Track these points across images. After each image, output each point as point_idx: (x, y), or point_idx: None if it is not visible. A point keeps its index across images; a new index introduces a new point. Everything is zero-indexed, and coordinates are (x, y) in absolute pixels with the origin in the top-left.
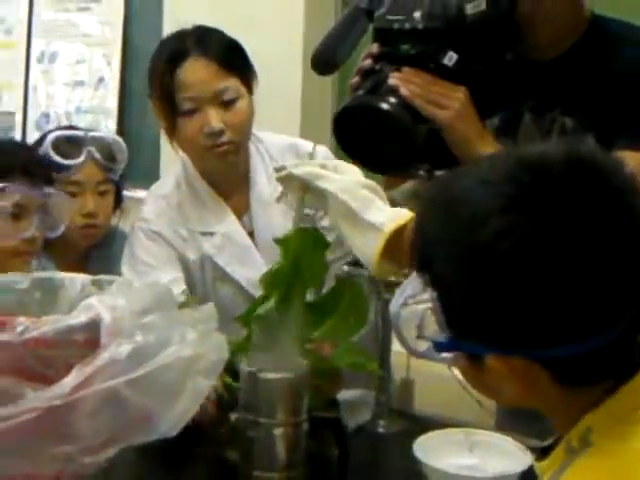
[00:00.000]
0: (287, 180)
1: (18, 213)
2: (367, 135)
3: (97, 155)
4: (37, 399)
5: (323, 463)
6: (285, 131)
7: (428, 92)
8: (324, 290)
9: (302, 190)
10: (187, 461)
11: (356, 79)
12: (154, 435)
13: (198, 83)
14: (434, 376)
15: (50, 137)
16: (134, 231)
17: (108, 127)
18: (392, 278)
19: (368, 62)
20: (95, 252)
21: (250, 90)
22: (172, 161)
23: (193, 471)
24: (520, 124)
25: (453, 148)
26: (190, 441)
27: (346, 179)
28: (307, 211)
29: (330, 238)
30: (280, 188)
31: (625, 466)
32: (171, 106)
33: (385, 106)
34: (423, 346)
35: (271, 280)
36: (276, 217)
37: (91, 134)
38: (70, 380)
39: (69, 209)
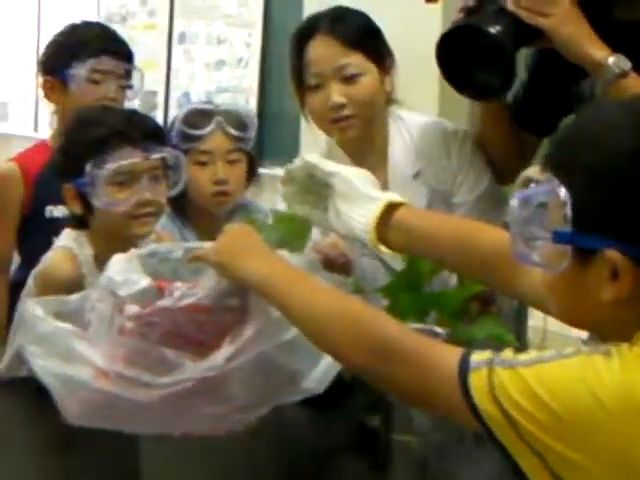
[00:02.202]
0: (293, 172)
1: (124, 180)
2: (466, 59)
3: (226, 125)
4: (193, 370)
5: (460, 428)
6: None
7: (533, 4)
8: None
9: (305, 178)
10: (328, 426)
11: (461, 16)
12: (301, 394)
13: (321, 60)
14: None
15: (181, 112)
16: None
17: (248, 106)
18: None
19: (472, 0)
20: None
21: (381, 67)
22: (312, 140)
23: (334, 436)
24: None
25: (563, 52)
26: (331, 407)
27: (350, 167)
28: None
29: None
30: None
31: None
32: (300, 82)
33: (491, 30)
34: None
35: None
36: (412, 194)
37: (222, 106)
38: (223, 352)
39: (187, 168)
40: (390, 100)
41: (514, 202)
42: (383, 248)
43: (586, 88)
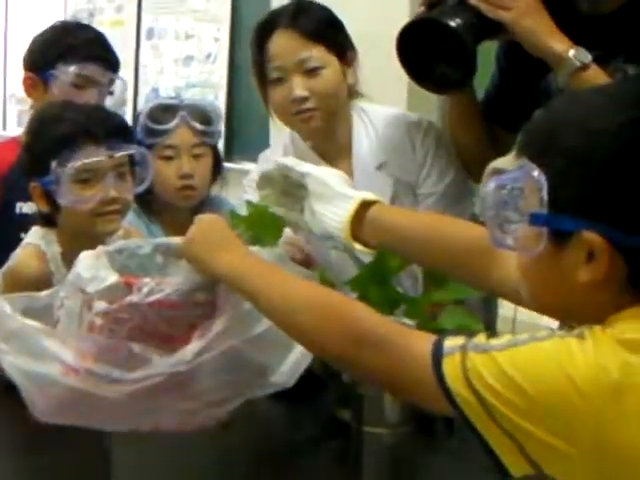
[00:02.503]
0: (268, 175)
1: (89, 178)
2: (428, 53)
3: (190, 119)
4: (162, 365)
5: (430, 420)
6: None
7: None
8: None
9: (281, 180)
10: (301, 420)
11: (422, 9)
12: (271, 388)
13: (283, 53)
14: None
15: (146, 108)
16: (243, 189)
17: (217, 102)
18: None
19: None
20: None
21: (343, 60)
22: (281, 135)
23: (306, 429)
24: None
25: (524, 45)
26: (303, 400)
27: (323, 168)
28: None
29: None
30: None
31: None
32: (262, 76)
33: (452, 23)
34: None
35: None
36: (377, 185)
37: (186, 101)
38: (192, 347)
39: (152, 164)
40: (354, 93)
41: (490, 187)
42: (357, 245)
43: (553, 81)
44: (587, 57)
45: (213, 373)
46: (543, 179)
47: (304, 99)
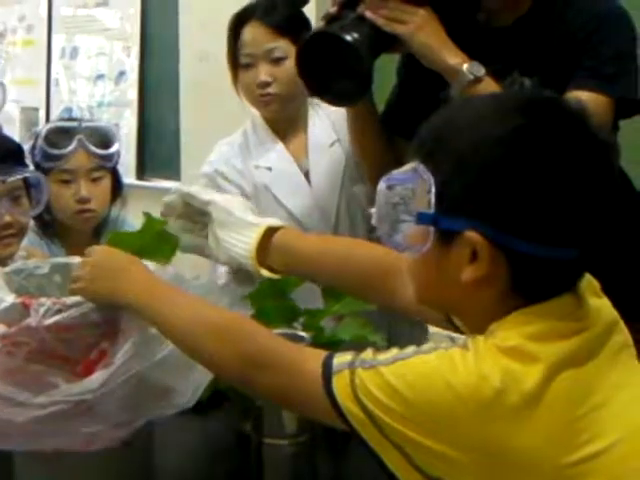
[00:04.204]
0: (172, 203)
1: None
2: (325, 66)
3: (87, 143)
4: (69, 392)
5: (330, 428)
6: None
7: (391, 11)
8: None
9: (184, 207)
10: (203, 433)
11: (321, 24)
12: (173, 409)
13: (253, 42)
14: None
15: (43, 130)
16: (198, 181)
17: (129, 119)
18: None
19: (334, 9)
20: (102, 238)
21: None
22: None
23: (209, 443)
24: None
25: (420, 58)
26: (206, 414)
27: (227, 195)
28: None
29: None
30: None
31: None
32: (234, 60)
33: (348, 37)
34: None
35: None
36: (330, 158)
37: (84, 124)
38: (99, 376)
39: (49, 187)
40: None
41: (381, 186)
42: (265, 272)
43: (453, 92)
44: (480, 71)
45: (118, 398)
46: (432, 180)
47: (267, 84)
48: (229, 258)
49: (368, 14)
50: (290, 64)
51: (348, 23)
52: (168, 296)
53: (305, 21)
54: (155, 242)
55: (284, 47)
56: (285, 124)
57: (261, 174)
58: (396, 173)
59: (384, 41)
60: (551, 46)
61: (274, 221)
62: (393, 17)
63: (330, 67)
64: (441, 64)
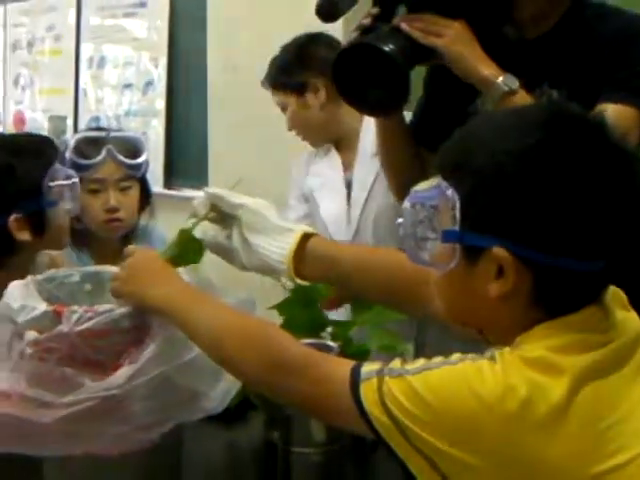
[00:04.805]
0: (200, 205)
1: None
2: (362, 76)
3: (116, 153)
4: (95, 389)
5: (359, 438)
6: None
7: (427, 24)
8: None
9: (212, 209)
10: (230, 442)
11: (355, 34)
12: (200, 413)
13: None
14: None
15: (72, 140)
16: None
17: (156, 129)
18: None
19: (368, 20)
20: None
21: (300, 96)
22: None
23: (236, 451)
24: None
25: (455, 70)
26: (232, 423)
27: (258, 199)
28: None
29: None
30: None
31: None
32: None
33: (386, 48)
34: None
35: None
36: (369, 168)
37: (112, 134)
38: (124, 371)
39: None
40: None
41: (406, 205)
42: (298, 279)
43: (481, 105)
44: (515, 83)
45: (144, 398)
46: (456, 197)
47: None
48: (261, 263)
49: (403, 26)
50: (290, 112)
51: (384, 34)
52: (197, 301)
53: (300, 62)
54: (184, 249)
55: (278, 100)
56: (341, 136)
57: (311, 181)
58: (420, 190)
59: (419, 53)
60: (580, 58)
61: (307, 228)
62: (429, 30)
63: (366, 78)
64: (476, 76)
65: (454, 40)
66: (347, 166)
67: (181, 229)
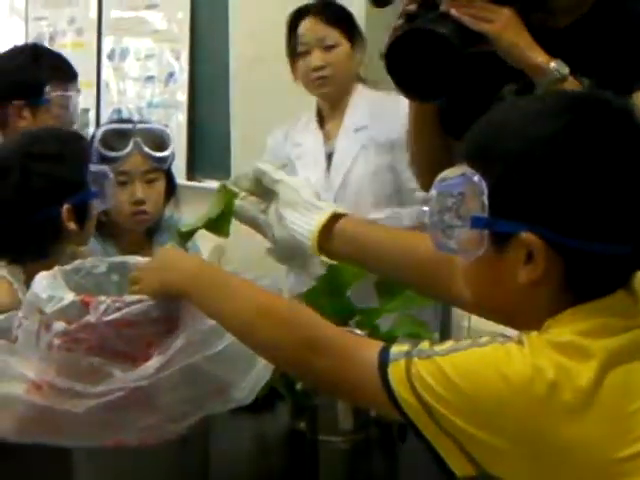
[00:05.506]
0: (243, 177)
1: None
2: (415, 62)
3: (143, 145)
4: (125, 379)
5: (386, 427)
6: None
7: (477, 10)
8: None
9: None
10: (257, 431)
11: (400, 21)
12: (230, 404)
13: (307, 32)
14: None
15: (99, 132)
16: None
17: (178, 121)
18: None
19: (413, 7)
20: (155, 239)
21: (353, 45)
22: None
23: (264, 440)
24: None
25: (506, 57)
26: (259, 413)
27: (296, 178)
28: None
29: None
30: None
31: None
32: (293, 50)
33: (442, 30)
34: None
35: None
36: (351, 146)
37: (139, 126)
38: (154, 362)
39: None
40: (359, 78)
41: (433, 193)
42: (323, 257)
43: (508, 94)
44: (565, 69)
45: (174, 388)
46: (483, 184)
47: (321, 67)
48: (288, 237)
49: (453, 12)
50: (340, 51)
51: (433, 20)
52: (224, 282)
53: (353, 20)
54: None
55: (334, 36)
56: (328, 107)
57: (291, 149)
58: (446, 179)
59: (468, 39)
60: (614, 42)
61: (339, 207)
62: (480, 16)
63: (418, 63)
64: (528, 62)
65: (505, 26)
66: (328, 137)
67: (223, 187)
